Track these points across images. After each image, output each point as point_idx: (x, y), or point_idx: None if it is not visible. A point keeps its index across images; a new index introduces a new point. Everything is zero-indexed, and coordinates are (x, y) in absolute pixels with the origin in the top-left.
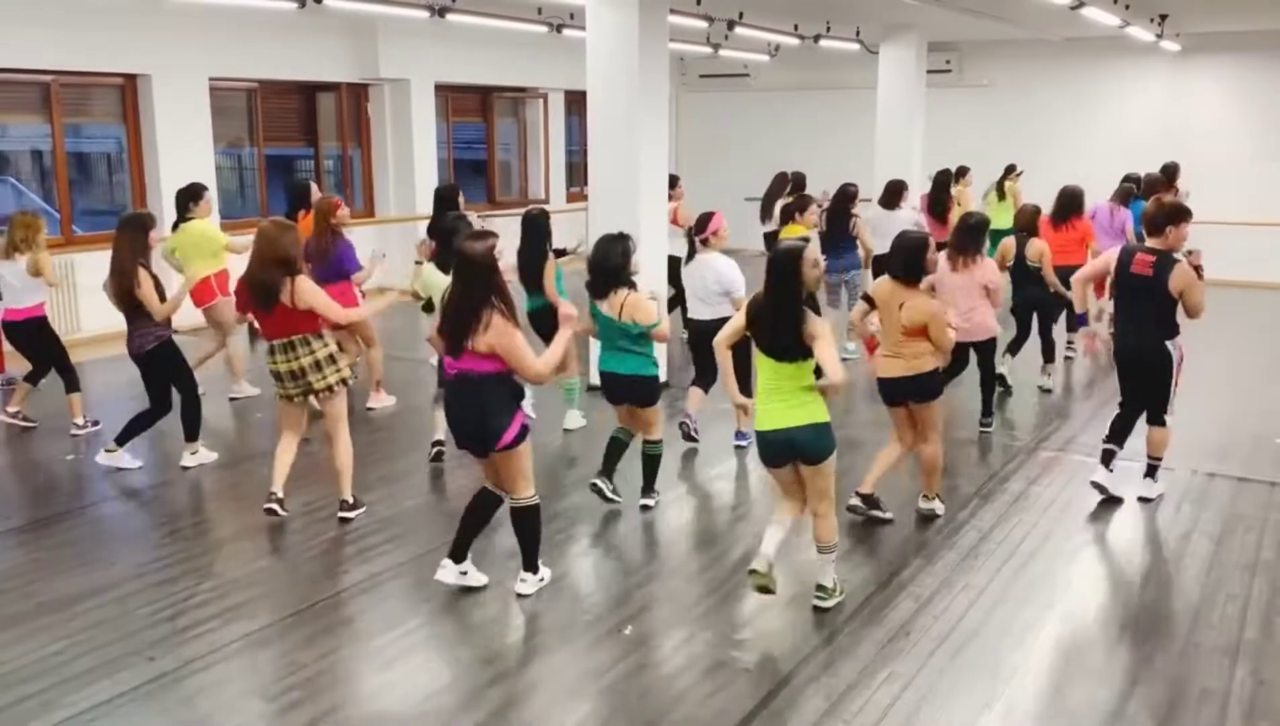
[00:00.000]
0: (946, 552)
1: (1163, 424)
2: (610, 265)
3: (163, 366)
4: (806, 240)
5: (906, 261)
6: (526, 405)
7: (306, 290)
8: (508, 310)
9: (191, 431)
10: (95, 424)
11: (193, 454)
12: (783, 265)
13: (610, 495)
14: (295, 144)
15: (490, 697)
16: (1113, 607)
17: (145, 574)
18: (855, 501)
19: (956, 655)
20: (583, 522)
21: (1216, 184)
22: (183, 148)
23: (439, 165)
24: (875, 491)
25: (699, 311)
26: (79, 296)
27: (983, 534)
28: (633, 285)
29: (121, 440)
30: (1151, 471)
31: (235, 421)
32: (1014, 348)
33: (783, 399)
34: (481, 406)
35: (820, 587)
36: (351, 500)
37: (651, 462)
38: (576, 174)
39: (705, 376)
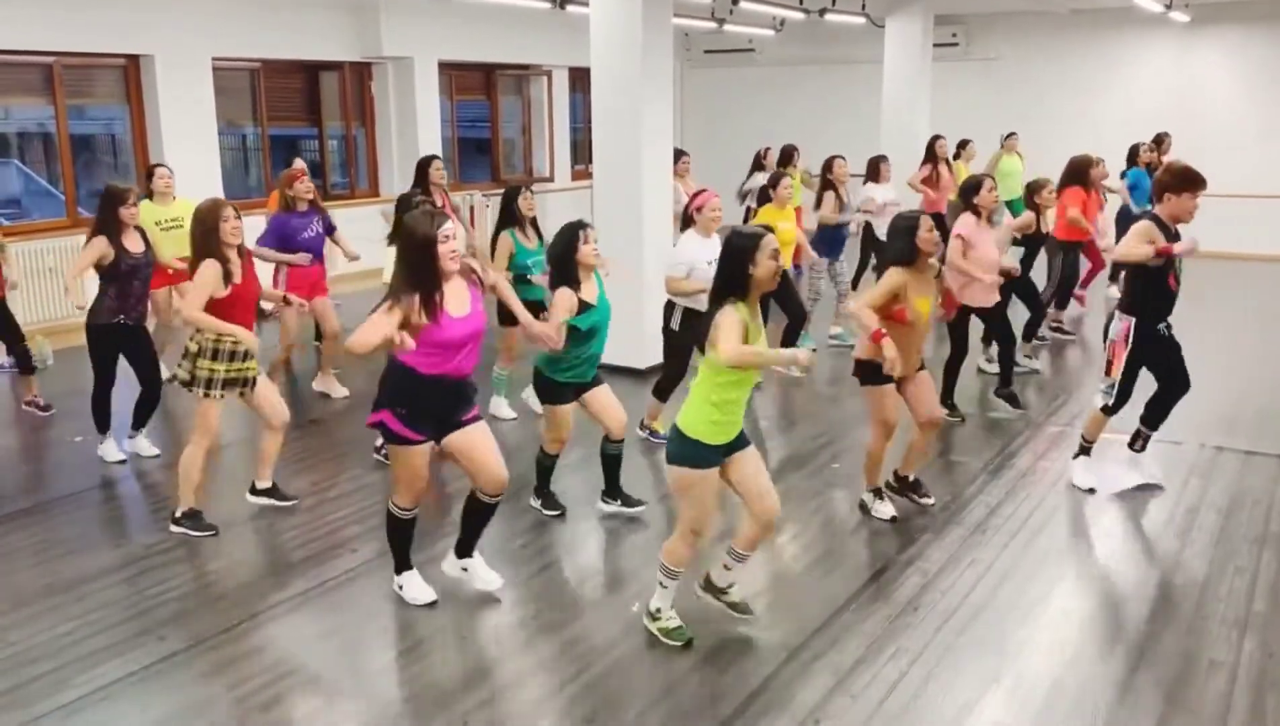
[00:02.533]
0: (954, 528)
1: (1095, 399)
2: (552, 255)
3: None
4: (770, 229)
5: (892, 243)
6: (502, 407)
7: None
8: (405, 288)
9: (103, 423)
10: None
11: (100, 444)
12: (731, 249)
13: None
14: (299, 124)
15: (497, 674)
16: (1120, 581)
17: (154, 554)
18: (890, 481)
19: (964, 630)
20: (583, 501)
21: (1225, 155)
22: (186, 128)
23: (443, 144)
24: (913, 475)
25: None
26: (85, 279)
27: (990, 509)
28: (576, 283)
29: (135, 425)
30: (1079, 450)
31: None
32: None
33: (693, 386)
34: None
35: (647, 608)
36: (181, 512)
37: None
38: (581, 151)
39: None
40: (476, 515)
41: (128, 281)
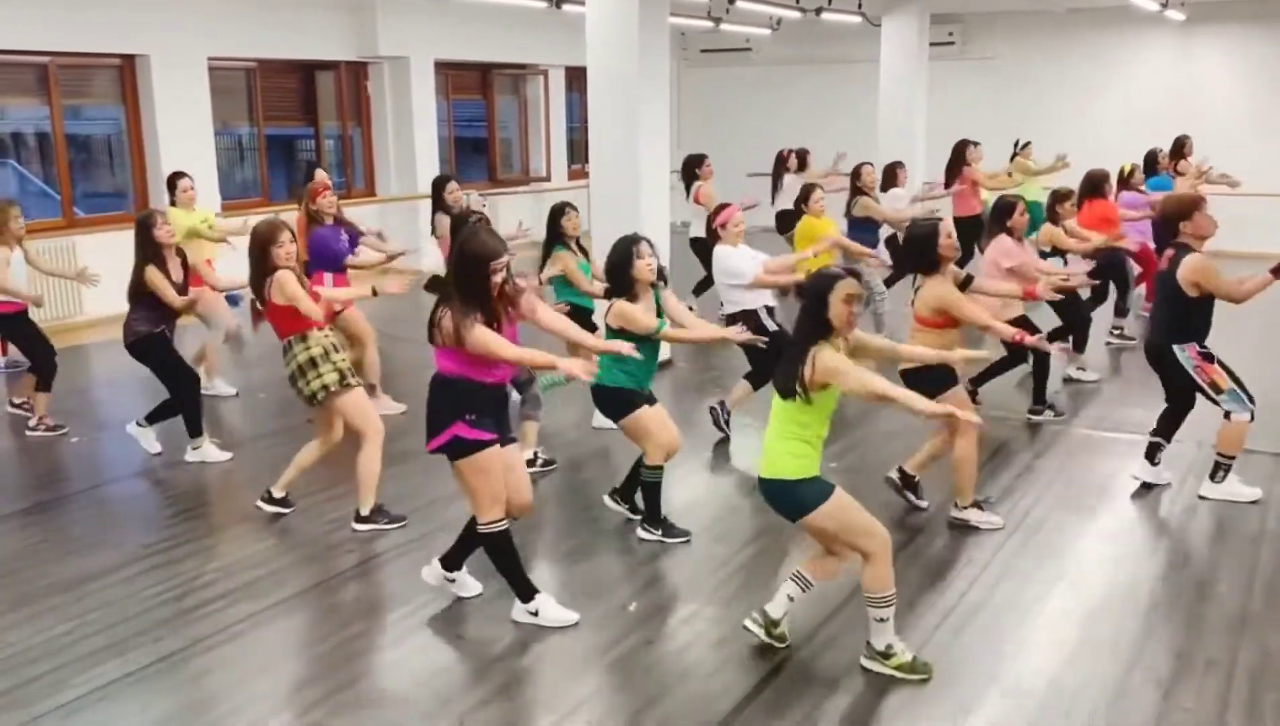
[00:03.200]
0: (951, 527)
1: (1227, 418)
2: (606, 267)
3: (146, 360)
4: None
5: (912, 253)
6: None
7: (278, 283)
8: (464, 308)
9: (191, 428)
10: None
11: (194, 449)
12: (810, 293)
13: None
14: (295, 124)
15: (495, 674)
16: (1118, 580)
17: (152, 555)
18: (893, 475)
19: (962, 629)
20: (584, 500)
21: (1224, 154)
22: (182, 128)
23: (440, 144)
24: (917, 476)
25: (724, 306)
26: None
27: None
28: (634, 296)
29: (151, 419)
30: (1216, 469)
31: (242, 403)
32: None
33: (770, 436)
34: (429, 401)
35: (870, 649)
36: (365, 512)
37: (644, 489)
38: (578, 151)
39: (756, 373)
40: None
41: (161, 307)
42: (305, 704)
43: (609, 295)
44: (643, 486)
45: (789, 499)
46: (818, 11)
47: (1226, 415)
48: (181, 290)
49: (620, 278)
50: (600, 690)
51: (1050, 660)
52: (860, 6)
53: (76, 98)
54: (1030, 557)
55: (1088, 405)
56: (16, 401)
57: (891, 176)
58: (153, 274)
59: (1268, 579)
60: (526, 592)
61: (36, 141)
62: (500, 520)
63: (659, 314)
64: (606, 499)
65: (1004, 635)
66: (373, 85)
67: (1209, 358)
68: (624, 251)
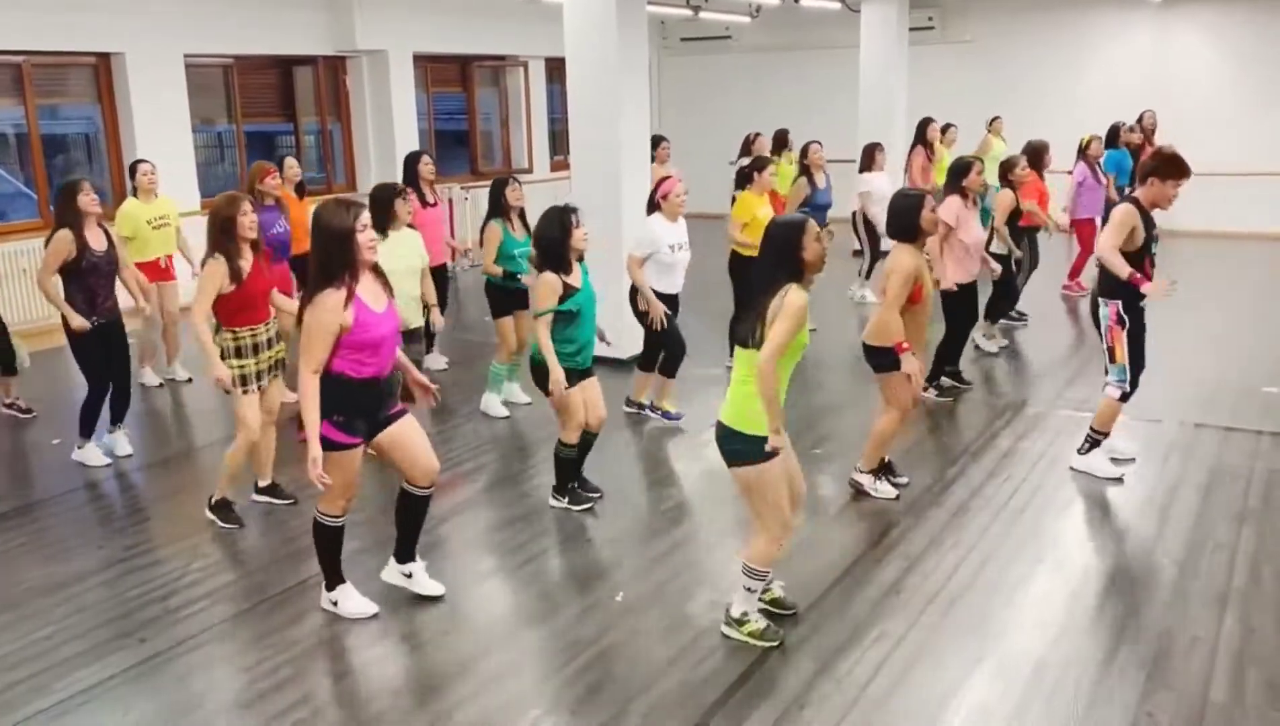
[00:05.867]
0: (935, 510)
1: (1108, 391)
2: (540, 240)
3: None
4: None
5: (893, 221)
6: (515, 389)
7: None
8: (313, 286)
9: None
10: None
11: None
12: (776, 239)
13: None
14: (274, 120)
15: (481, 669)
16: (1101, 560)
17: (134, 556)
18: (855, 477)
19: (947, 612)
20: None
21: (1202, 134)
22: (160, 126)
23: (420, 137)
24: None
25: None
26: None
27: (972, 491)
28: (567, 268)
29: (113, 421)
30: (1084, 441)
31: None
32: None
33: (733, 382)
34: None
35: (727, 614)
36: (214, 500)
37: (556, 462)
38: (560, 142)
39: (645, 358)
40: (410, 511)
41: (89, 279)
42: (287, 704)
43: (540, 268)
44: (556, 459)
45: (731, 443)
46: None
47: (1105, 387)
48: (94, 267)
49: (559, 248)
50: (587, 681)
51: (1036, 641)
52: None
53: (52, 97)
54: (1015, 539)
55: (1070, 387)
56: (7, 402)
57: (870, 158)
58: (58, 241)
59: (1250, 556)
60: (331, 582)
61: (12, 142)
62: (337, 516)
63: (586, 282)
64: (550, 501)
65: (989, 617)
66: (351, 79)
67: (1123, 323)
68: (561, 222)
